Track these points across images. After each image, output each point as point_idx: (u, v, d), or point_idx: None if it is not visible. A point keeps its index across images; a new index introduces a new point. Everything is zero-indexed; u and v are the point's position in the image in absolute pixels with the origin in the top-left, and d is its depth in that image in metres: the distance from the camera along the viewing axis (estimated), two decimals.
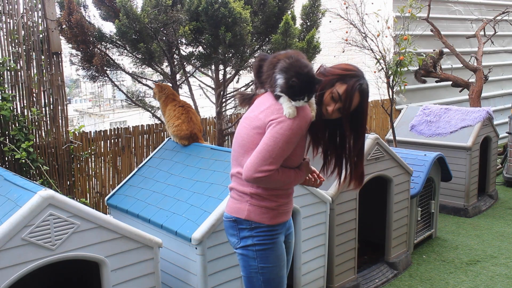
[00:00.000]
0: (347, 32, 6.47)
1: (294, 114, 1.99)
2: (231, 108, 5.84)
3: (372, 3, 6.67)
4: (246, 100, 2.35)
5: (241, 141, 2.14)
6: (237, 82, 5.30)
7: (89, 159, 4.75)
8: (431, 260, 4.41)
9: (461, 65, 7.38)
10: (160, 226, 2.94)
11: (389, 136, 5.88)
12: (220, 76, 4.99)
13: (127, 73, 4.93)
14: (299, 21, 4.98)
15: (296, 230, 3.17)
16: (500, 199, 6.26)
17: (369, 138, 3.73)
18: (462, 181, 5.54)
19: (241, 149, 2.14)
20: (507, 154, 6.83)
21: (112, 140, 4.94)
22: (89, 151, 4.72)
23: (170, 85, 4.59)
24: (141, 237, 2.54)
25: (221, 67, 4.92)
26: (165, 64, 4.84)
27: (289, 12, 4.75)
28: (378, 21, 6.14)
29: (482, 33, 7.71)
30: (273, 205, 2.16)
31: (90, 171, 4.79)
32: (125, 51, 4.71)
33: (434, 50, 7.21)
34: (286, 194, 2.21)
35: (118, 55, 4.81)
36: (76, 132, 4.67)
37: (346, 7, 6.46)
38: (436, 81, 7.60)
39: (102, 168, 4.91)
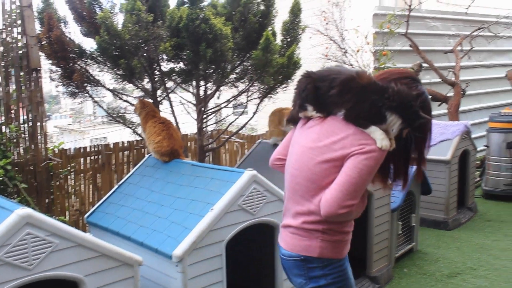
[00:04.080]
0: (327, 48, 6.57)
1: (388, 145, 1.85)
2: (212, 124, 5.84)
3: (352, 19, 6.78)
4: (293, 121, 2.14)
5: (311, 176, 1.91)
6: (218, 98, 5.31)
7: (69, 176, 4.70)
8: (412, 273, 4.43)
9: (439, 80, 7.49)
10: (140, 243, 2.91)
11: None
12: (201, 92, 5.00)
13: (108, 89, 4.91)
14: (279, 37, 5.02)
15: (275, 246, 3.16)
16: (479, 211, 6.34)
17: None
18: (442, 194, 5.59)
19: (312, 184, 1.91)
20: (485, 167, 6.94)
21: (92, 157, 4.90)
22: (69, 168, 4.67)
23: (152, 101, 4.59)
24: (121, 255, 2.51)
25: (202, 83, 4.93)
26: (146, 80, 4.83)
27: (269, 28, 4.80)
28: (357, 37, 6.24)
29: (459, 48, 7.87)
30: (343, 237, 2.02)
31: (70, 188, 4.73)
32: (106, 67, 4.69)
33: (413, 65, 7.33)
34: (351, 222, 2.07)
35: (99, 71, 4.79)
36: (55, 149, 4.62)
37: (326, 23, 6.57)
38: None
39: (82, 185, 4.86)
